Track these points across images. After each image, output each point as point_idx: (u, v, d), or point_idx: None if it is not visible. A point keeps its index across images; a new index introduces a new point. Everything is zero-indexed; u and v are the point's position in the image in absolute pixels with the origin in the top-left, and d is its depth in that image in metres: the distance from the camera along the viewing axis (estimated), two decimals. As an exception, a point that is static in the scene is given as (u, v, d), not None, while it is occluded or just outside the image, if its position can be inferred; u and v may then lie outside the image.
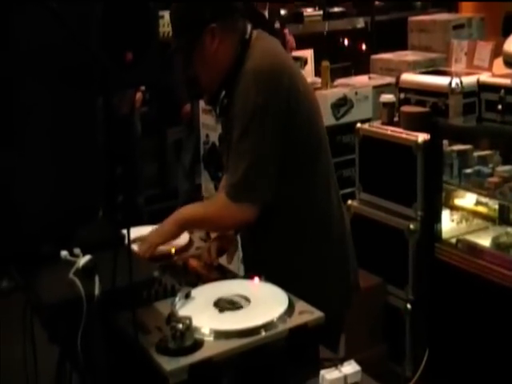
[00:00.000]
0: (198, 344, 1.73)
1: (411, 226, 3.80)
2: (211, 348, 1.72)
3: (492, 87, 4.21)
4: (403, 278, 3.86)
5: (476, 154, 3.81)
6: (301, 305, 1.92)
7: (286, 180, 2.32)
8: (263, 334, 1.78)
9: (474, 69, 4.53)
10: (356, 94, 4.80)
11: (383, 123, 4.12)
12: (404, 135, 3.89)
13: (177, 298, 1.96)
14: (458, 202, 3.92)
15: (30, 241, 1.79)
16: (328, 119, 4.39)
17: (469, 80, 4.31)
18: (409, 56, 5.38)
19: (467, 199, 3.89)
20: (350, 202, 4.18)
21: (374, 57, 5.62)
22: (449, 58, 4.80)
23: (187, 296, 1.97)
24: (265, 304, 1.93)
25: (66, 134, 1.79)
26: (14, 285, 1.87)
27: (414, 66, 5.08)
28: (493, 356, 3.42)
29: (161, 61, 1.84)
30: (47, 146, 1.76)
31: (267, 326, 1.80)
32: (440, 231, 3.74)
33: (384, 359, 3.97)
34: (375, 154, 4.08)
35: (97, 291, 1.68)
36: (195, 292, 2.01)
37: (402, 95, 4.53)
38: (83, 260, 1.77)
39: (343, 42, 8.14)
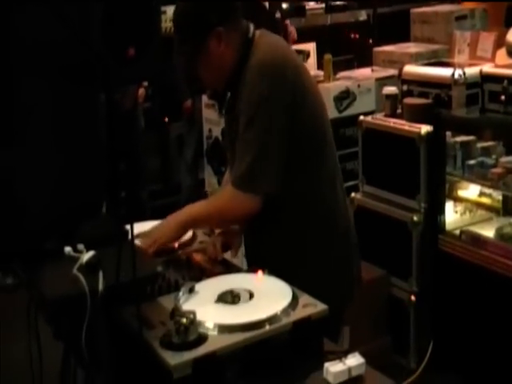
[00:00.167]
0: (202, 338, 1.73)
1: (415, 218, 3.80)
2: (215, 342, 1.73)
3: (495, 78, 4.19)
4: (407, 270, 3.86)
5: (479, 145, 3.81)
6: (304, 298, 1.92)
7: (291, 174, 2.32)
8: (267, 327, 1.79)
9: (477, 60, 4.51)
10: (359, 86, 4.80)
11: (386, 115, 4.12)
12: (407, 127, 3.88)
13: (180, 293, 1.96)
14: (461, 193, 3.92)
15: (33, 237, 1.79)
16: (331, 112, 4.37)
17: (472, 71, 4.29)
18: (411, 48, 5.37)
19: (471, 190, 3.89)
20: (353, 194, 4.18)
21: (377, 49, 5.61)
22: (451, 49, 4.78)
23: (191, 290, 1.97)
24: (268, 297, 1.93)
25: (69, 130, 1.80)
26: (18, 281, 1.88)
27: (416, 58, 5.06)
28: (497, 347, 3.43)
29: (163, 56, 1.85)
30: (49, 142, 1.76)
31: (271, 320, 1.80)
32: (444, 223, 3.75)
33: (388, 351, 3.97)
34: (378, 146, 4.08)
35: (100, 287, 1.69)
36: (199, 286, 2.01)
37: (405, 87, 4.51)
38: (87, 256, 1.78)
39: (346, 34, 8.12)
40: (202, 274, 2.17)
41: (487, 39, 4.53)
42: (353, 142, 4.47)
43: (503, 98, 4.09)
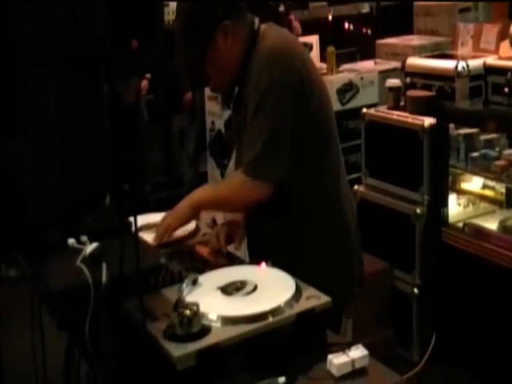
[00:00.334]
0: (206, 330, 1.73)
1: (418, 211, 3.79)
2: (218, 334, 1.73)
3: (498, 70, 4.19)
4: (410, 263, 3.86)
5: (483, 137, 3.80)
6: (308, 290, 1.92)
7: (296, 168, 2.31)
8: (270, 319, 1.79)
9: (481, 52, 4.51)
10: (361, 79, 4.79)
11: (389, 108, 4.11)
12: (410, 119, 3.88)
13: (184, 285, 1.96)
14: (464, 185, 3.92)
15: (36, 228, 1.79)
16: (334, 105, 4.33)
17: (475, 63, 4.29)
18: (414, 40, 5.36)
19: (474, 183, 3.88)
20: (356, 187, 4.17)
21: (380, 42, 5.60)
22: (455, 41, 4.78)
23: (194, 282, 1.97)
24: (272, 289, 1.93)
25: (72, 121, 1.80)
26: (21, 274, 1.88)
27: (419, 50, 5.06)
28: (500, 339, 3.43)
29: (165, 48, 1.85)
30: (54, 133, 1.76)
31: (274, 312, 1.80)
32: (447, 215, 3.74)
33: (391, 344, 3.98)
34: (381, 138, 4.07)
35: (104, 278, 1.69)
36: (202, 278, 2.01)
37: (408, 79, 4.51)
38: (90, 247, 1.78)
39: (348, 27, 8.10)
40: (206, 266, 2.17)
41: (490, 31, 4.53)
42: (356, 135, 4.47)
43: (507, 90, 4.09)
